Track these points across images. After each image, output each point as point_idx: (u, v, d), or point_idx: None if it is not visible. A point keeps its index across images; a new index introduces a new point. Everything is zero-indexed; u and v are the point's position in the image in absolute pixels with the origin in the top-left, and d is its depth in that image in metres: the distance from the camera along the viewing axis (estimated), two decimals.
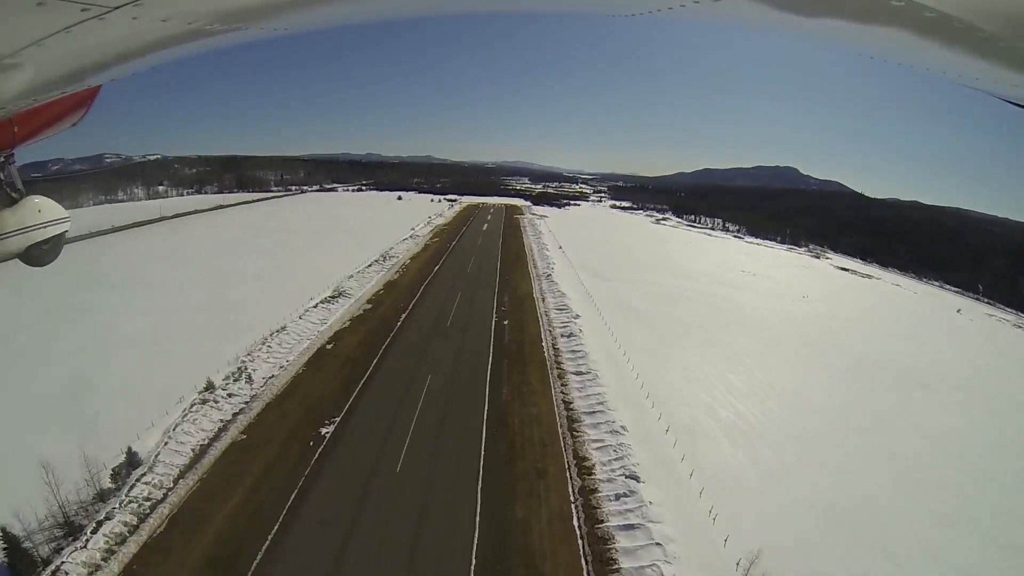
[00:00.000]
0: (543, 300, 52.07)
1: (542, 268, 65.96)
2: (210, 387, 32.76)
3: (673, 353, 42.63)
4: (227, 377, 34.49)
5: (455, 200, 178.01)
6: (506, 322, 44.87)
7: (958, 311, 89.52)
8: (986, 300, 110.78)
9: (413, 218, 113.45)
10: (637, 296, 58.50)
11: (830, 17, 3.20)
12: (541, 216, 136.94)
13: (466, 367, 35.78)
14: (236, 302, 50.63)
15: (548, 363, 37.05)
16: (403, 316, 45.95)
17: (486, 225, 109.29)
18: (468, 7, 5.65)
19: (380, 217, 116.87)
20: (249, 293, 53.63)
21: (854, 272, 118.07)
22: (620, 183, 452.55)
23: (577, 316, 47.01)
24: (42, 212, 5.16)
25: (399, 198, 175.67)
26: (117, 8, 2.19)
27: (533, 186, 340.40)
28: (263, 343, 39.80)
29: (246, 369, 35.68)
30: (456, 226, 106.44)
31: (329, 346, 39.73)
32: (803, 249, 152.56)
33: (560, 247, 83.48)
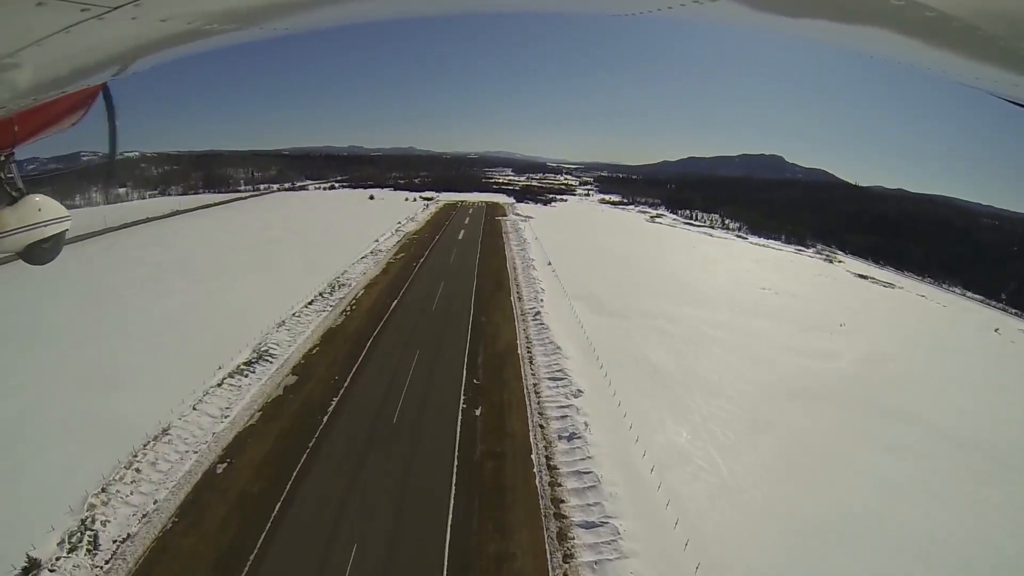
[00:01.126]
0: (531, 360, 38.76)
1: (528, 300, 52.65)
2: (32, 568, 19.87)
3: (719, 455, 29.77)
4: (63, 541, 21.55)
5: (431, 199, 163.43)
6: (478, 411, 31.37)
7: (996, 331, 78.99)
8: (1013, 311, 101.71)
9: (380, 224, 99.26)
10: (652, 342, 45.53)
11: (830, 18, 3.16)
12: (526, 217, 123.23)
13: (413, 522, 22.43)
14: (127, 372, 36.68)
15: (541, 504, 23.81)
16: (334, 401, 32.36)
17: (463, 232, 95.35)
18: (467, 7, 5.69)
19: (344, 223, 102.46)
20: (149, 354, 39.68)
21: (874, 280, 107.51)
22: (605, 172, 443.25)
23: (579, 392, 33.81)
24: (42, 211, 5.23)
25: (371, 198, 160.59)
26: (117, 8, 2.21)
27: (517, 178, 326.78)
28: (130, 464, 26.42)
29: (93, 523, 22.57)
30: (428, 234, 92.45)
31: (221, 468, 26.30)
32: (811, 250, 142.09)
33: (549, 263, 70.18)
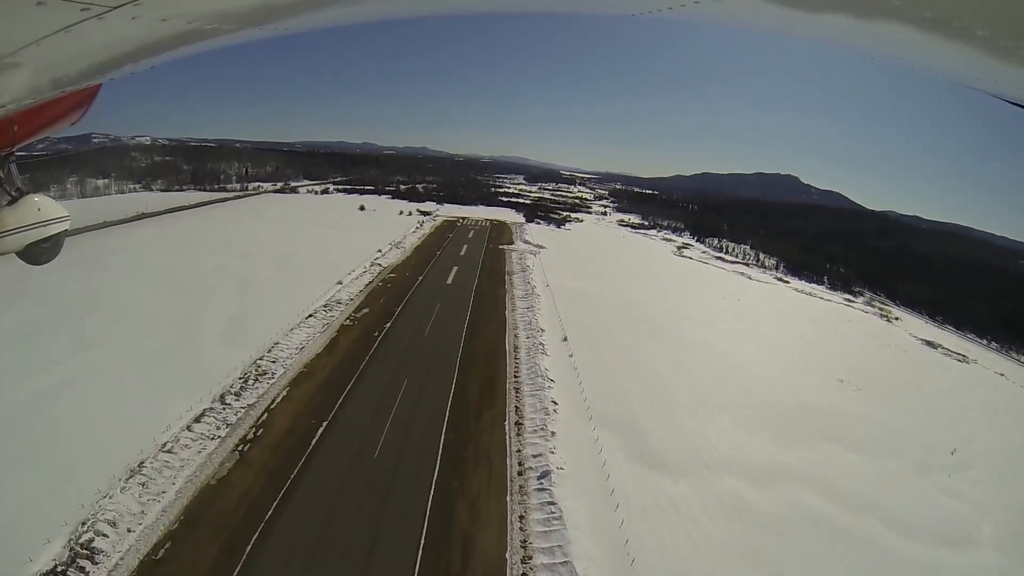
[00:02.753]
0: None
1: (532, 431, 34.04)
2: None
3: None
4: None
5: (429, 213, 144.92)
6: None
7: None
8: None
9: (357, 250, 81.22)
10: (734, 541, 27.26)
11: (830, 17, 3.17)
12: (536, 247, 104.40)
13: None
14: None
15: None
16: None
17: (455, 270, 76.29)
18: (467, 7, 5.58)
19: (313, 247, 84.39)
20: None
21: (944, 351, 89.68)
22: (619, 184, 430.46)
23: None
24: (41, 211, 5.30)
25: (361, 208, 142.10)
26: (116, 8, 2.18)
27: (529, 188, 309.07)
28: None
29: None
30: (411, 272, 73.82)
31: None
32: (860, 300, 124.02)
33: (565, 338, 51.86)
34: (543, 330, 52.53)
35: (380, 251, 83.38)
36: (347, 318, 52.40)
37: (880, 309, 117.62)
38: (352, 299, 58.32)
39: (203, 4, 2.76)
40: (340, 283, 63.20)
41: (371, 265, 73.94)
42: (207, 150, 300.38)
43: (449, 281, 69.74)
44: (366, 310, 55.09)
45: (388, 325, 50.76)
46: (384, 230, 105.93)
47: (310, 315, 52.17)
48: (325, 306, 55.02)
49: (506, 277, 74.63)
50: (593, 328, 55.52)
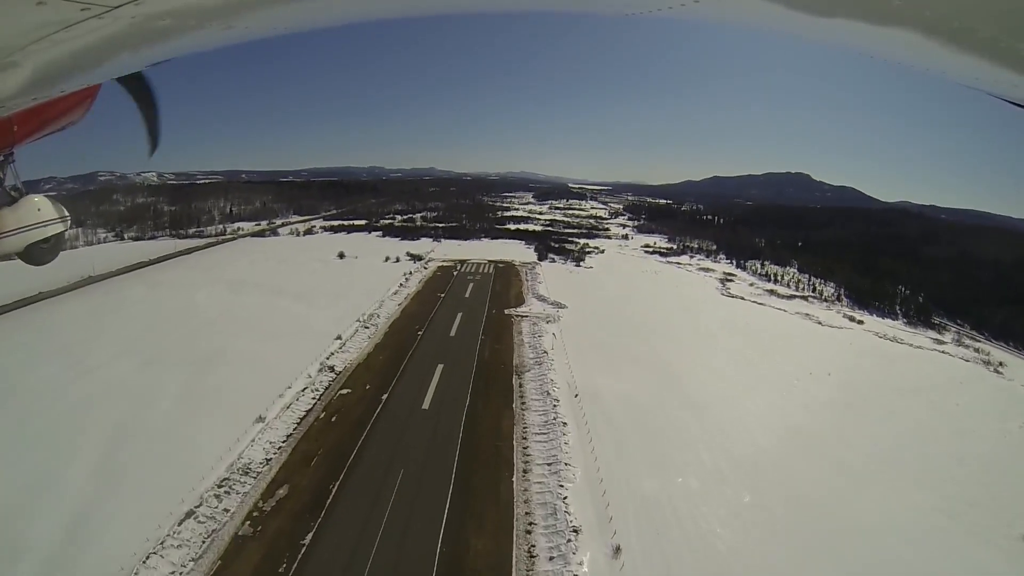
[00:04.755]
0: None
1: None
2: None
3: None
4: None
5: (422, 258, 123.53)
6: None
7: None
8: None
9: (312, 339, 60.14)
10: None
11: (830, 16, 3.13)
12: (555, 308, 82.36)
13: None
14: None
15: None
16: None
17: (439, 372, 53.13)
18: (465, 6, 5.37)
19: (256, 337, 63.68)
20: None
21: None
22: (630, 195, 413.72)
23: None
24: (41, 211, 5.07)
25: (341, 256, 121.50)
26: (117, 7, 2.15)
27: (538, 207, 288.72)
28: None
29: None
30: (375, 380, 51.25)
31: None
32: (948, 337, 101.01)
33: (617, 549, 30.03)
34: (576, 531, 30.60)
35: (340, 339, 61.76)
36: (248, 515, 31.14)
37: (977, 351, 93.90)
38: (269, 460, 37.04)
39: (203, 3, 2.66)
40: (262, 419, 42.06)
41: (320, 371, 52.51)
42: (197, 187, 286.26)
43: (426, 404, 46.99)
44: (283, 491, 33.63)
45: (309, 538, 29.23)
46: (357, 293, 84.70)
47: (190, 512, 31.10)
48: (221, 485, 33.86)
49: (514, 381, 52.25)
50: (659, 504, 33.56)
